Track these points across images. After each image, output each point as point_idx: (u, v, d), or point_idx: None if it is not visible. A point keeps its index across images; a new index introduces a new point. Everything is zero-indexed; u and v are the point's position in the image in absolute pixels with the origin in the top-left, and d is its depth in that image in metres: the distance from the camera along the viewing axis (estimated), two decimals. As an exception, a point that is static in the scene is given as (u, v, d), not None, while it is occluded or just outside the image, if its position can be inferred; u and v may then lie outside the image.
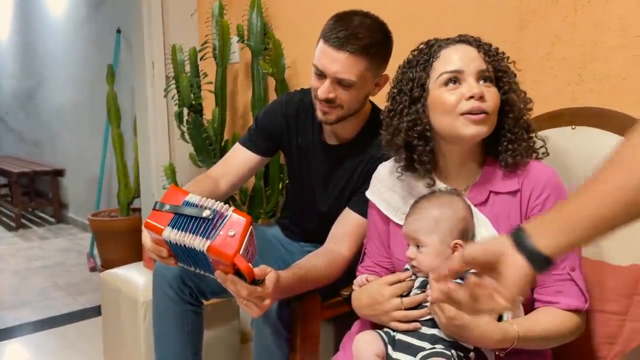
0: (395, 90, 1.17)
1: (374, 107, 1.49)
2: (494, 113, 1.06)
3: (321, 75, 1.32)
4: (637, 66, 1.29)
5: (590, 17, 1.35)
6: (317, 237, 1.49)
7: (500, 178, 1.10)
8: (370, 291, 1.14)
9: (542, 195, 1.06)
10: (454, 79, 1.07)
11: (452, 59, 1.09)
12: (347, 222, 1.40)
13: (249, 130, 1.62)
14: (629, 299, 1.12)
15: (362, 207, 1.34)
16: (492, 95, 1.06)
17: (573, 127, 1.28)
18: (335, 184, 1.51)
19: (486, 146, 1.13)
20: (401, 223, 1.16)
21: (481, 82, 1.07)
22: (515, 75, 1.12)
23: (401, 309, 1.06)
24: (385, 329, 1.09)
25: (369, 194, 1.27)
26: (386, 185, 1.23)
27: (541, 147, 1.13)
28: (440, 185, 1.15)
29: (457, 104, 1.06)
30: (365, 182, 1.33)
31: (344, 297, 1.31)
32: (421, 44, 1.17)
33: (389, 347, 1.05)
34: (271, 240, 1.66)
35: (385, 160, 1.26)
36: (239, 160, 1.58)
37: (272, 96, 2.21)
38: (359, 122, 1.45)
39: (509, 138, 1.08)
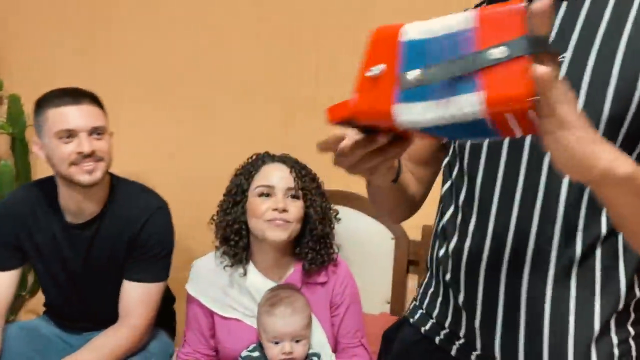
0: (226, 192, 1.39)
1: (112, 175, 1.52)
2: (295, 222, 1.35)
3: (70, 135, 1.36)
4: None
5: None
6: (101, 321, 1.47)
7: (309, 273, 1.40)
8: None
9: (343, 285, 1.41)
10: (265, 192, 1.33)
11: (269, 175, 1.35)
12: (131, 294, 1.44)
13: None
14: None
15: (140, 274, 1.43)
16: (295, 208, 1.35)
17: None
18: (98, 263, 1.48)
19: (299, 245, 1.41)
20: (226, 315, 1.35)
21: (288, 197, 1.34)
22: (320, 194, 1.42)
23: None
24: None
25: (190, 290, 1.40)
26: (207, 281, 1.39)
27: (334, 253, 1.43)
28: (256, 276, 1.38)
29: (265, 212, 1.33)
30: (133, 248, 1.43)
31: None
32: (253, 155, 1.41)
33: None
34: (50, 338, 1.55)
35: (143, 219, 1.42)
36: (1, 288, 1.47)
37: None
38: (104, 192, 1.47)
39: (309, 247, 1.39)
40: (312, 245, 1.38)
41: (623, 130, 0.72)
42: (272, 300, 1.31)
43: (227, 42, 1.87)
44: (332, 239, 1.44)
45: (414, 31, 0.59)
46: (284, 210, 1.32)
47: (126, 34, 1.99)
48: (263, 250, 1.38)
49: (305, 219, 1.38)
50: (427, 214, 1.70)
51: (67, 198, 1.44)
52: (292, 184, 1.35)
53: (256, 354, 1.33)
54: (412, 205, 1.01)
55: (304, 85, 1.79)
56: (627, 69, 0.71)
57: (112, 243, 1.45)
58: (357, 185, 1.72)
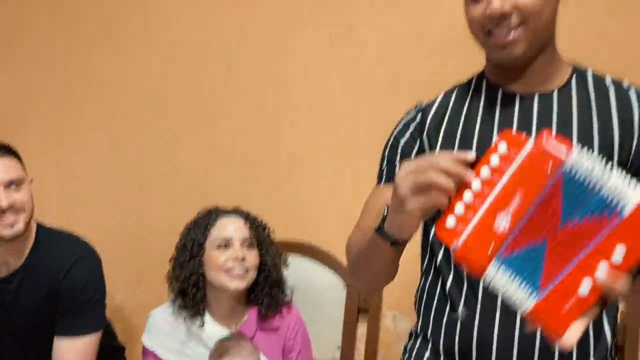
0: (180, 246, 1.47)
1: (39, 226, 1.52)
2: (252, 270, 1.45)
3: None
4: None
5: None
6: None
7: (264, 318, 1.48)
8: None
9: (294, 331, 1.50)
10: (224, 244, 1.43)
11: (226, 228, 1.45)
12: (62, 351, 1.42)
13: None
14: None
15: (68, 328, 1.42)
16: (251, 257, 1.45)
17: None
18: (24, 317, 1.47)
19: (254, 292, 1.49)
20: None
21: (245, 246, 1.45)
22: (271, 242, 1.52)
23: None
24: None
25: (147, 341, 1.44)
26: (164, 332, 1.44)
27: (287, 297, 1.53)
28: (213, 326, 1.44)
29: (224, 263, 1.42)
30: (57, 301, 1.42)
31: None
32: (202, 210, 1.51)
33: None
34: None
35: (64, 270, 1.42)
36: None
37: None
38: (28, 243, 1.45)
39: (264, 292, 1.48)
40: (268, 291, 1.47)
41: None
42: (219, 350, 1.36)
43: (194, 100, 1.99)
44: (285, 284, 1.53)
45: (577, 161, 0.59)
46: (243, 260, 1.42)
47: (103, 77, 2.08)
48: (219, 300, 1.46)
49: (260, 266, 1.48)
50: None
51: None
52: (247, 234, 1.46)
53: None
54: (394, 273, 1.05)
55: (265, 142, 1.93)
56: (602, 154, 0.89)
57: (36, 296, 1.44)
58: (310, 235, 1.85)
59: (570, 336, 0.59)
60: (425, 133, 1.03)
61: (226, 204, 1.56)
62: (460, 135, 0.98)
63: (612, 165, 0.61)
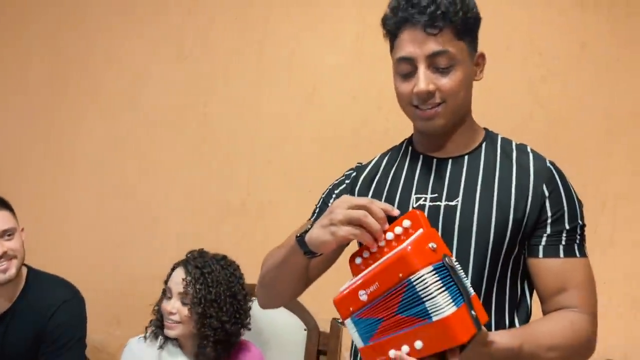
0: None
1: (29, 269, 1.64)
2: (184, 323, 1.53)
3: None
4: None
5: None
6: None
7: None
8: None
9: None
10: (169, 295, 1.57)
11: (172, 278, 1.58)
12: None
13: None
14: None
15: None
16: (182, 311, 1.53)
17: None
18: (12, 357, 1.57)
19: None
20: None
21: (179, 301, 1.55)
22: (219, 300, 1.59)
23: None
24: None
25: None
26: (138, 357, 1.58)
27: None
28: (180, 355, 1.58)
29: (165, 313, 1.55)
30: (42, 342, 1.54)
31: None
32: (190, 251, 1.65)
33: None
34: None
35: (49, 313, 1.55)
36: None
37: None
38: (18, 286, 1.58)
39: (199, 347, 1.55)
40: (198, 344, 1.55)
41: (502, 253, 1.03)
42: None
43: (174, 159, 2.18)
44: (223, 344, 1.57)
45: (426, 278, 0.79)
46: (170, 313, 1.53)
47: (86, 131, 2.27)
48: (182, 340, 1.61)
49: (199, 320, 1.53)
50: (333, 309, 1.96)
51: None
52: (181, 289, 1.53)
53: None
54: (307, 284, 1.19)
55: (235, 192, 2.09)
56: (500, 215, 1.03)
57: (24, 335, 1.56)
58: None
59: None
60: (357, 188, 1.16)
61: (200, 250, 1.69)
62: (386, 195, 1.12)
63: (454, 280, 0.81)
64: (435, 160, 1.11)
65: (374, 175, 1.17)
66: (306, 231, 0.98)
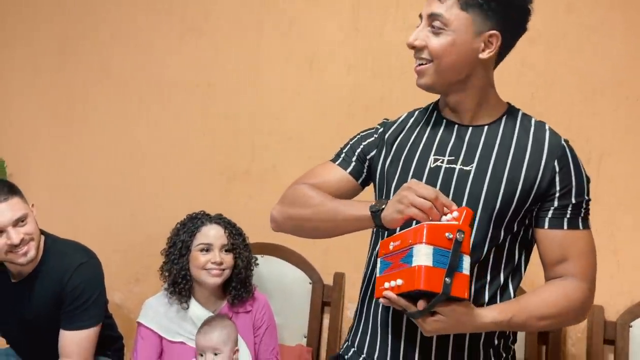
0: (171, 243, 1.78)
1: (47, 236, 1.73)
2: (228, 269, 1.75)
3: (1, 232, 1.57)
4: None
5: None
6: (52, 355, 1.69)
7: (235, 306, 1.78)
8: None
9: (262, 312, 1.80)
10: (206, 249, 1.74)
11: (208, 235, 1.75)
12: (66, 341, 1.65)
13: None
14: (297, 365, 1.92)
15: (71, 324, 1.65)
16: (228, 259, 1.75)
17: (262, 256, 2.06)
18: (35, 314, 1.69)
19: (227, 286, 1.79)
20: (173, 339, 1.72)
21: (222, 251, 1.75)
22: (245, 246, 1.81)
23: None
24: None
25: (143, 320, 1.74)
26: (158, 314, 1.75)
27: (252, 291, 1.82)
28: (197, 308, 1.75)
29: (205, 264, 1.73)
30: (61, 302, 1.65)
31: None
32: (190, 214, 1.81)
33: None
34: None
35: (67, 276, 1.65)
36: None
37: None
38: (37, 256, 1.66)
39: (233, 287, 1.77)
40: (235, 286, 1.77)
41: (505, 220, 1.12)
42: (204, 323, 1.67)
43: (181, 128, 2.30)
44: (250, 281, 1.81)
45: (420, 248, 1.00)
46: (220, 263, 1.72)
47: (105, 105, 2.39)
48: (202, 290, 1.77)
49: (234, 267, 1.77)
50: (339, 262, 2.10)
51: (9, 267, 1.70)
52: (225, 241, 1.75)
53: None
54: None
55: (241, 159, 2.22)
56: (509, 186, 1.11)
57: (44, 297, 1.67)
58: (280, 238, 2.09)
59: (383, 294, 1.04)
60: (383, 143, 1.24)
61: (209, 211, 1.85)
62: (406, 153, 1.20)
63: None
64: (456, 126, 1.17)
65: (399, 133, 1.24)
66: (381, 209, 1.08)
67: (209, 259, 1.71)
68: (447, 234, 0.97)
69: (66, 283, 1.65)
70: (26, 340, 1.80)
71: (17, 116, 2.48)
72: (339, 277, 2.06)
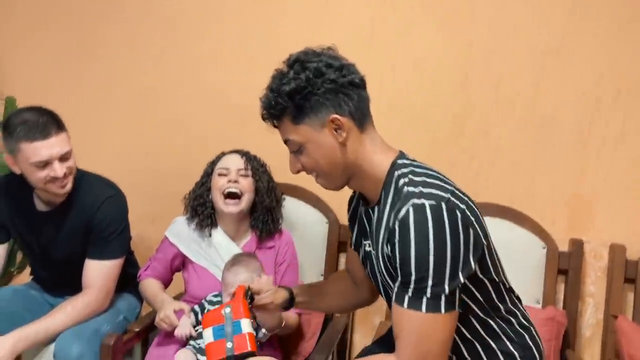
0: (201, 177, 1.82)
1: (80, 171, 1.75)
2: (247, 193, 1.74)
3: (44, 164, 1.57)
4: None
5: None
6: (77, 287, 1.73)
7: (261, 240, 1.80)
8: None
9: (285, 249, 1.81)
10: (224, 173, 1.75)
11: (226, 161, 1.77)
12: (90, 270, 1.71)
13: None
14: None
15: (97, 253, 1.70)
16: (245, 182, 1.75)
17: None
18: (64, 244, 1.73)
19: (253, 218, 1.80)
20: (198, 262, 1.76)
21: (240, 174, 1.75)
22: (264, 172, 1.80)
23: None
24: (192, 343, 1.59)
25: (170, 236, 1.80)
26: (185, 234, 1.79)
27: (280, 224, 1.83)
28: (222, 237, 1.78)
29: (222, 186, 1.74)
30: (89, 232, 1.70)
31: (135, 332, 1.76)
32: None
33: (199, 355, 1.57)
34: (38, 300, 1.86)
35: (96, 207, 1.69)
36: None
37: None
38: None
39: (260, 219, 1.78)
40: (263, 218, 1.78)
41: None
42: (232, 261, 1.67)
43: (196, 66, 2.23)
44: (279, 213, 1.82)
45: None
46: (236, 182, 1.73)
47: (118, 46, 2.32)
48: (225, 221, 1.79)
49: (256, 193, 1.77)
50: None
51: (40, 195, 1.72)
52: (242, 165, 1.77)
53: (218, 299, 1.68)
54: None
55: (257, 97, 2.15)
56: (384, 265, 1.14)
57: (71, 227, 1.72)
58: (299, 178, 2.07)
59: None
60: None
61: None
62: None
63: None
64: (363, 208, 1.25)
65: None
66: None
67: (226, 180, 1.74)
68: (222, 312, 1.20)
69: (94, 214, 1.69)
70: (49, 269, 1.83)
71: (27, 55, 2.42)
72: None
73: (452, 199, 1.03)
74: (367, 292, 1.42)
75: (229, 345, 1.15)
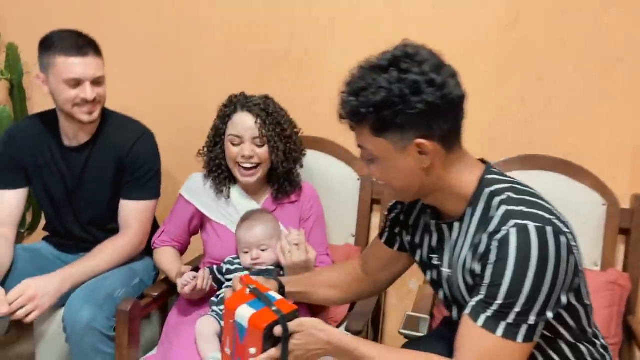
0: (211, 128, 1.64)
1: (104, 108, 1.69)
2: (263, 163, 1.58)
3: (76, 83, 1.55)
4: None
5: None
6: (93, 240, 1.68)
7: (279, 199, 1.65)
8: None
9: (310, 203, 1.67)
10: (238, 142, 1.57)
11: (238, 126, 1.57)
12: (128, 210, 1.67)
13: None
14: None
15: (133, 193, 1.67)
16: (261, 153, 1.57)
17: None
18: (90, 182, 1.68)
19: (270, 177, 1.64)
20: (217, 220, 1.63)
21: (254, 145, 1.56)
22: (285, 136, 1.60)
23: None
24: (215, 309, 1.47)
25: (186, 194, 1.65)
26: (202, 191, 1.65)
27: (298, 185, 1.67)
28: (240, 195, 1.64)
29: (235, 157, 1.58)
30: (123, 170, 1.65)
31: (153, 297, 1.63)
32: (231, 96, 1.62)
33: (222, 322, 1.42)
34: (50, 259, 1.76)
35: (130, 143, 1.65)
36: (6, 204, 1.68)
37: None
38: (97, 122, 1.66)
39: (275, 181, 1.63)
40: (277, 180, 1.63)
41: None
42: (244, 217, 1.56)
43: (212, 4, 2.03)
44: (296, 174, 1.65)
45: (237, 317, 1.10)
46: (250, 157, 1.56)
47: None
48: (242, 182, 1.63)
49: (272, 159, 1.59)
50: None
51: (65, 127, 1.66)
52: (257, 133, 1.56)
53: (236, 261, 1.57)
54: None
55: (278, 42, 1.96)
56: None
57: (103, 165, 1.67)
58: (326, 130, 1.91)
59: None
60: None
61: (242, 93, 1.64)
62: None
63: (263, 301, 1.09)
64: (434, 222, 1.15)
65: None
66: None
67: (239, 153, 1.57)
68: (246, 291, 1.13)
69: (128, 152, 1.65)
70: (70, 219, 1.74)
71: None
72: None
73: (556, 222, 0.96)
74: (372, 286, 1.37)
75: (274, 308, 1.07)
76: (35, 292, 1.44)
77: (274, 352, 1.05)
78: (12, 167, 1.68)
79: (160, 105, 2.14)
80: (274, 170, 1.62)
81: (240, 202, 1.64)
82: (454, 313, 1.15)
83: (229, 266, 1.56)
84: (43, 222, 1.95)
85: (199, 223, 1.68)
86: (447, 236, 1.10)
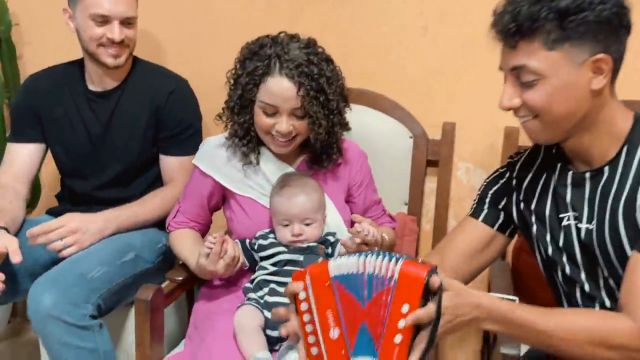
0: (234, 77, 1.30)
1: (134, 56, 1.58)
2: (299, 136, 1.29)
3: (104, 20, 1.44)
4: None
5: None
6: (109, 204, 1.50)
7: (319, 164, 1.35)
8: None
9: (359, 164, 1.39)
10: (272, 111, 1.26)
11: (274, 93, 1.24)
12: (171, 165, 1.57)
13: (12, 127, 1.64)
14: (400, 239, 1.53)
15: (175, 150, 1.55)
16: (299, 125, 1.27)
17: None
18: (118, 132, 1.54)
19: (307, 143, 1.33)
20: (243, 194, 1.35)
21: (292, 117, 1.25)
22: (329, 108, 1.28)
23: None
24: (254, 297, 1.22)
25: (202, 166, 1.36)
26: (222, 159, 1.35)
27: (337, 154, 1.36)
28: (270, 159, 1.35)
29: (269, 129, 1.27)
30: (160, 121, 1.53)
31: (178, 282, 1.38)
32: (261, 42, 1.29)
33: (265, 312, 1.19)
34: None
35: (166, 92, 1.53)
36: (22, 158, 1.58)
37: None
38: (125, 69, 1.55)
39: (315, 151, 1.33)
40: (316, 152, 1.34)
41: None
42: (282, 182, 1.28)
43: None
44: (334, 147, 1.34)
45: (335, 270, 0.94)
46: (287, 133, 1.27)
47: None
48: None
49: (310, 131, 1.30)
50: (447, 110, 1.63)
51: (91, 71, 1.55)
52: (297, 104, 1.25)
53: (271, 235, 1.30)
54: None
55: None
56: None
57: (135, 112, 1.54)
58: (374, 83, 1.63)
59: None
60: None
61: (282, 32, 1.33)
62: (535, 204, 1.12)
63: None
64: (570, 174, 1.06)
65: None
66: None
67: (274, 127, 1.27)
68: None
69: (166, 100, 1.54)
70: (91, 164, 1.58)
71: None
72: (449, 129, 1.59)
73: None
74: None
75: (420, 260, 0.93)
76: (78, 226, 1.37)
77: (432, 307, 0.87)
78: (28, 119, 1.59)
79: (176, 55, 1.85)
80: (308, 139, 1.33)
81: (270, 168, 1.35)
82: (578, 290, 1.05)
83: (261, 241, 1.29)
84: (42, 201, 1.78)
85: (220, 198, 1.40)
86: (589, 187, 1.03)
